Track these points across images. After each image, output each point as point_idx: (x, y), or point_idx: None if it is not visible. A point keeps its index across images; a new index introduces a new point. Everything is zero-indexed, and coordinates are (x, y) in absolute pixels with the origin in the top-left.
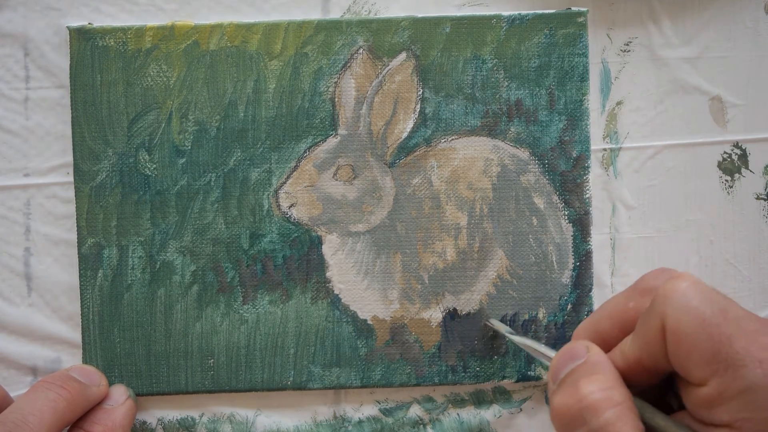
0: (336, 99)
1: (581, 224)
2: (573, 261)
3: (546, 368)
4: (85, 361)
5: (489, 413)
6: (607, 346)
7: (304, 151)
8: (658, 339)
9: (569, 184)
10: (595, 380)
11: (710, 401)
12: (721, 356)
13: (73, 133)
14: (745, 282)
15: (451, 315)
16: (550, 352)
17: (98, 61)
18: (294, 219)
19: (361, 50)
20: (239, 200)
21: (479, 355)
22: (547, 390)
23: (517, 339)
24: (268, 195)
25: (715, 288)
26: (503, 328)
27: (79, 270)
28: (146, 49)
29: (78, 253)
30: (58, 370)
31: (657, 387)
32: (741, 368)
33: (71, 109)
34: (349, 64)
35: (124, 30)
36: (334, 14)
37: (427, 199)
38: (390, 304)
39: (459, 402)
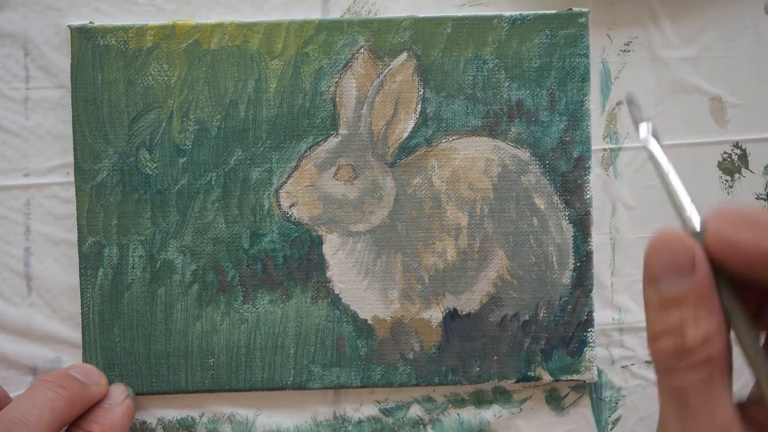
0: (337, 99)
1: (582, 225)
2: (573, 261)
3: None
4: (85, 360)
5: (489, 413)
6: None
7: (305, 151)
8: None
9: (570, 184)
10: (701, 326)
11: None
12: None
13: (73, 131)
14: None
15: (452, 315)
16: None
17: (99, 60)
18: (294, 218)
19: (362, 50)
20: (240, 200)
21: (479, 355)
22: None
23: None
24: (269, 194)
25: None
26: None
27: (80, 269)
28: (147, 48)
29: (78, 252)
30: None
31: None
32: None
33: (72, 107)
34: (350, 64)
35: (125, 29)
36: (334, 14)
37: (428, 199)
38: (390, 304)
39: (459, 402)
